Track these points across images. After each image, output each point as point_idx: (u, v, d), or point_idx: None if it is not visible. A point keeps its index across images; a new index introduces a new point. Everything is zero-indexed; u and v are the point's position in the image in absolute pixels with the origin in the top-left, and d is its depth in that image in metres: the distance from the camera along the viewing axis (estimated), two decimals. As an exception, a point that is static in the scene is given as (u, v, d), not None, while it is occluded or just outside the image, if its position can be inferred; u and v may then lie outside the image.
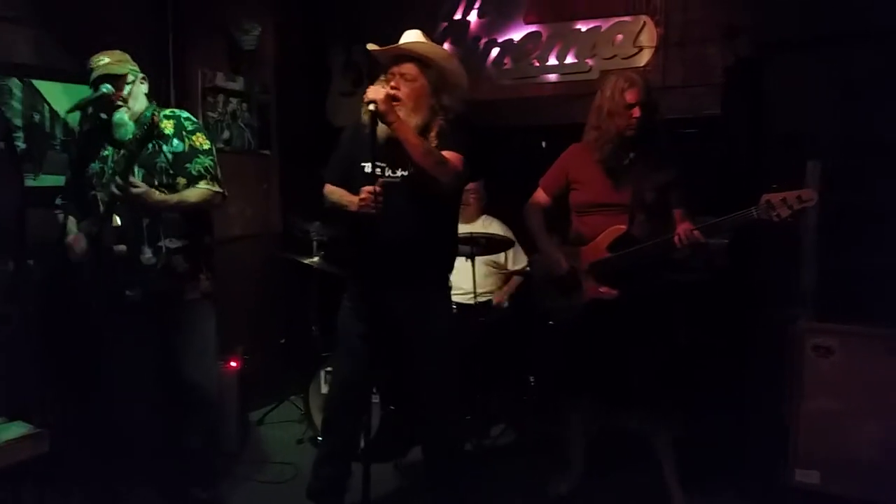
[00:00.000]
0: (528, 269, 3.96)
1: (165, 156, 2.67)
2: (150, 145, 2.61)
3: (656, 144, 2.79)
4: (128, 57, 2.74)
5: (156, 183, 2.64)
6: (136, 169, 2.59)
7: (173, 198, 2.64)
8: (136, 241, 2.63)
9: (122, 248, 2.56)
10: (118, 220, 2.57)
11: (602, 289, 2.80)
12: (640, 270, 2.75)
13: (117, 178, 2.46)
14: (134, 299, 2.66)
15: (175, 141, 2.70)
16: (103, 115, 2.64)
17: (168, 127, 2.70)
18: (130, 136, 2.53)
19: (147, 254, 2.63)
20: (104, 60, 2.65)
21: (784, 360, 3.02)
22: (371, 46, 2.63)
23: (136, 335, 2.72)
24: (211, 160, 2.75)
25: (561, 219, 3.05)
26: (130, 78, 2.68)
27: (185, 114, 2.80)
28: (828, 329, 2.93)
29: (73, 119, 2.75)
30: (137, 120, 2.64)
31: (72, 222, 2.74)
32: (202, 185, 2.71)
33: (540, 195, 3.06)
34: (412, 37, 2.62)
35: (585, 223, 2.90)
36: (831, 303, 3.01)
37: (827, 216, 3.03)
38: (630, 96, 2.72)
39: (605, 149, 2.79)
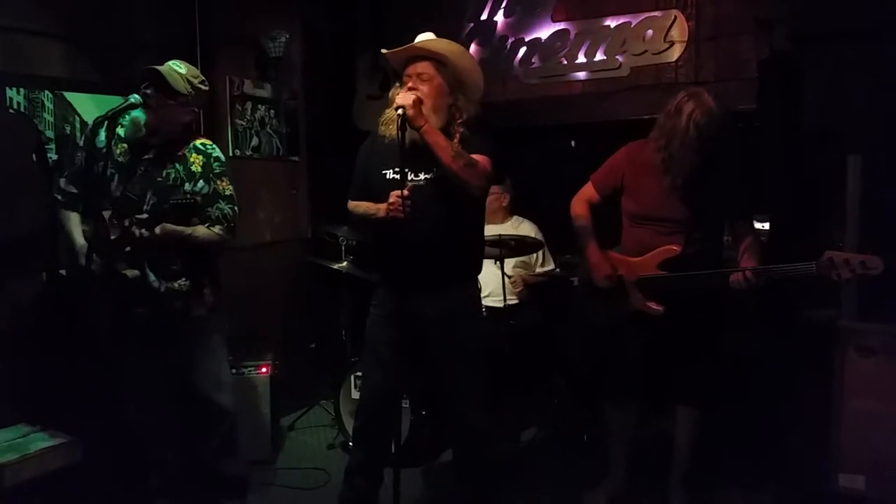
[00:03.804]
0: (557, 271, 3.91)
1: (187, 195, 2.61)
2: (172, 175, 2.61)
3: (726, 164, 2.64)
4: (200, 86, 2.64)
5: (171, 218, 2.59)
6: (149, 197, 2.58)
7: (185, 231, 2.60)
8: (141, 263, 2.59)
9: (136, 272, 2.55)
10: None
11: (650, 304, 2.73)
12: (688, 293, 2.66)
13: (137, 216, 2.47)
14: (142, 317, 2.65)
15: (201, 182, 2.66)
16: (123, 122, 2.60)
17: (196, 164, 2.66)
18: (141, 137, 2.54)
19: (151, 276, 2.61)
20: (181, 69, 2.57)
21: (826, 360, 2.92)
22: (384, 51, 2.60)
23: (147, 351, 2.71)
24: (230, 208, 2.71)
25: (611, 220, 2.92)
26: (181, 99, 2.57)
27: (216, 152, 2.74)
28: (871, 329, 2.83)
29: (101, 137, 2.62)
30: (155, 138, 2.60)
31: (75, 219, 2.66)
32: (216, 229, 2.68)
33: (589, 191, 2.89)
34: (425, 38, 2.59)
35: (636, 234, 2.79)
36: (874, 302, 2.90)
37: (868, 212, 2.93)
38: (702, 140, 2.51)
39: (670, 167, 2.62)
